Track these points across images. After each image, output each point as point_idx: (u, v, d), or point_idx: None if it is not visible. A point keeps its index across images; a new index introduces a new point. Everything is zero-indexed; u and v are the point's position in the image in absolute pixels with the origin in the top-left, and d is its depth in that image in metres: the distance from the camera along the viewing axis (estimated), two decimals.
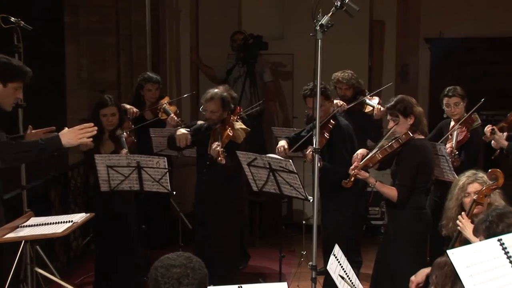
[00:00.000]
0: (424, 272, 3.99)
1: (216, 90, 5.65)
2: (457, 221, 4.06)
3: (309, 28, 4.57)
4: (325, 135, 5.50)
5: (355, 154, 5.08)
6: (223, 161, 5.25)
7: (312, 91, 5.38)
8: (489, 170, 4.13)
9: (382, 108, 6.05)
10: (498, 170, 4.09)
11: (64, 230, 4.53)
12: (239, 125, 5.70)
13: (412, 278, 4.08)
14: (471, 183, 4.26)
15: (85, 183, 7.14)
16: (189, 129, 5.79)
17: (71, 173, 6.94)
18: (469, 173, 4.35)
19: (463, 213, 4.09)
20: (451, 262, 2.63)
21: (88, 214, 4.86)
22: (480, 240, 3.30)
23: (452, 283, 2.71)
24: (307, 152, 5.43)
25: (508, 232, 3.08)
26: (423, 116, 4.89)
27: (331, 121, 5.57)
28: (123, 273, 5.68)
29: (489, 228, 3.14)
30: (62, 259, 6.72)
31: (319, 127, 5.43)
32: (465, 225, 3.99)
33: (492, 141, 5.52)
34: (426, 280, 3.94)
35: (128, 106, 6.41)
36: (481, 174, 4.27)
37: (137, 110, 6.47)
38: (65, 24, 7.85)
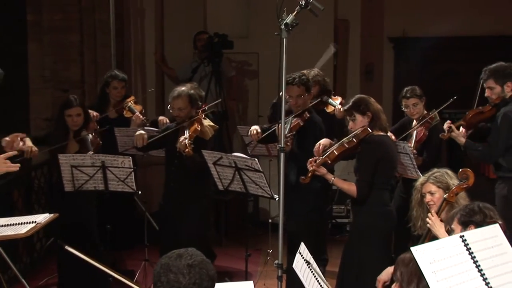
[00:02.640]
0: (389, 270, 4.02)
1: (183, 87, 5.65)
2: (427, 219, 4.13)
3: (274, 27, 4.58)
4: (300, 122, 5.55)
5: (317, 143, 5.12)
6: (190, 153, 5.24)
7: (295, 80, 5.47)
8: (460, 170, 4.20)
9: (342, 109, 6.11)
10: (469, 169, 4.16)
11: (28, 231, 4.48)
12: (207, 122, 5.71)
13: (379, 277, 4.12)
14: (425, 183, 4.37)
15: (49, 183, 7.05)
16: (156, 129, 5.80)
17: (34, 173, 6.85)
18: (428, 173, 4.44)
19: (433, 211, 4.16)
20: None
21: (52, 215, 4.81)
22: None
23: (418, 280, 2.74)
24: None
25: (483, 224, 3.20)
26: (381, 113, 4.93)
27: (306, 113, 5.61)
28: (87, 274, 5.62)
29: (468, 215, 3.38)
30: (26, 260, 6.63)
31: (295, 116, 5.53)
32: (435, 223, 4.06)
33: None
34: (392, 279, 3.98)
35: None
36: (438, 173, 4.35)
37: (97, 113, 6.36)
38: (27, 22, 7.74)
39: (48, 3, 7.64)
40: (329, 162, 4.90)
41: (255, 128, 5.81)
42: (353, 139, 4.85)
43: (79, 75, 7.69)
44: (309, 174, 4.89)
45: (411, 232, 4.64)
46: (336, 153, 4.86)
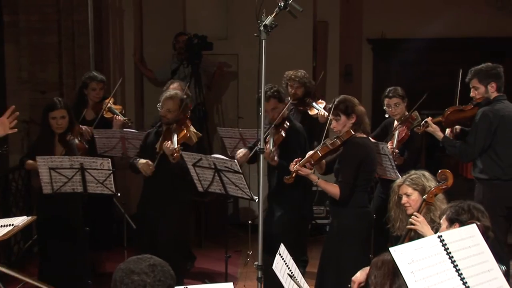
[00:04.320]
0: (365, 271, 4.02)
1: (177, 90, 5.77)
2: (412, 219, 4.15)
3: (254, 28, 4.58)
4: (282, 133, 5.54)
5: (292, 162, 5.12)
6: (178, 158, 5.22)
7: (266, 94, 5.47)
8: (439, 171, 4.23)
9: (326, 114, 6.12)
10: (447, 170, 4.19)
11: (5, 234, 4.45)
12: (192, 128, 5.72)
13: (354, 278, 4.12)
14: (401, 185, 4.43)
15: (27, 186, 6.99)
16: (137, 131, 5.76)
17: (12, 175, 6.79)
18: (405, 175, 4.49)
19: (415, 212, 4.18)
20: (389, 260, 2.68)
21: (29, 217, 4.78)
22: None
23: (391, 282, 2.75)
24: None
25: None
26: (365, 116, 4.96)
27: (286, 122, 5.61)
28: (67, 276, 5.59)
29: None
30: (3, 263, 6.56)
31: (275, 126, 5.53)
32: (422, 225, 4.09)
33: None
34: (367, 280, 3.99)
35: None
36: (414, 175, 4.39)
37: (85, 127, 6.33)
38: (4, 23, 7.66)
39: (25, 4, 7.57)
40: (312, 162, 4.91)
41: (241, 151, 5.72)
42: (337, 140, 4.87)
43: (56, 76, 7.63)
44: (293, 175, 4.91)
45: (390, 233, 4.67)
46: (320, 154, 4.88)
